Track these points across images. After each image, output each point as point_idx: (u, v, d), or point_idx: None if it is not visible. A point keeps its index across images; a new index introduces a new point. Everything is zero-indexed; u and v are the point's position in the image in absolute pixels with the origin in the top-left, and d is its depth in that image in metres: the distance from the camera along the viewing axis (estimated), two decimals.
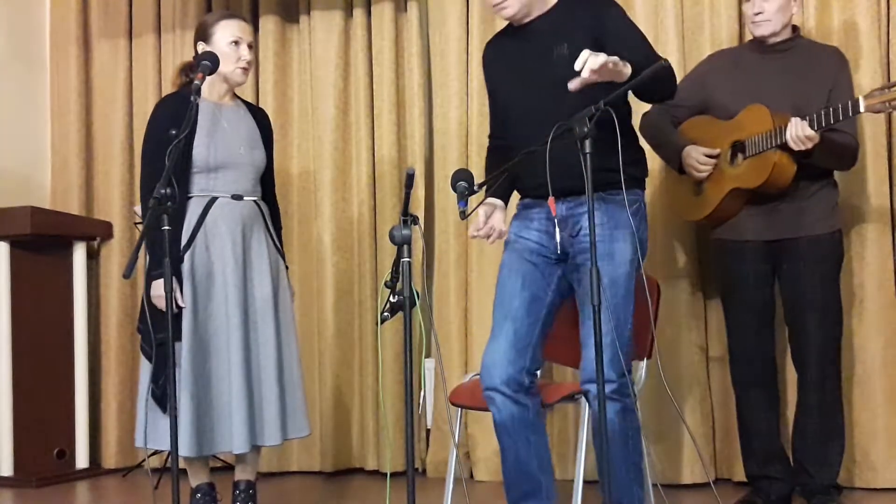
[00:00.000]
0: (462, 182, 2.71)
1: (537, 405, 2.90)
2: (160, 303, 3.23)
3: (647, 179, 2.95)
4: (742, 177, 3.36)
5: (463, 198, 2.70)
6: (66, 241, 4.76)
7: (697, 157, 3.45)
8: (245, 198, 3.43)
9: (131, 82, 4.99)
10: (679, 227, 3.98)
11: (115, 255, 4.92)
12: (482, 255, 4.34)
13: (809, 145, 3.15)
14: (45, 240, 4.64)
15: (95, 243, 4.98)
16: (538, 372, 2.95)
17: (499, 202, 2.97)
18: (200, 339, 3.31)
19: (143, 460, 4.65)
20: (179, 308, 3.28)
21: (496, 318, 2.91)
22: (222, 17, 3.48)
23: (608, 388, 2.67)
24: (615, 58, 2.44)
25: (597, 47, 2.54)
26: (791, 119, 3.17)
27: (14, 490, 4.43)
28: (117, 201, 4.93)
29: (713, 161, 3.43)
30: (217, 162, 3.36)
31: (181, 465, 3.41)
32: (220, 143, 3.38)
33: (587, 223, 2.62)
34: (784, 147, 3.22)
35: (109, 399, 4.87)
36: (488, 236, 2.91)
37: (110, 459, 4.86)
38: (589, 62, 2.40)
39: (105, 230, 4.91)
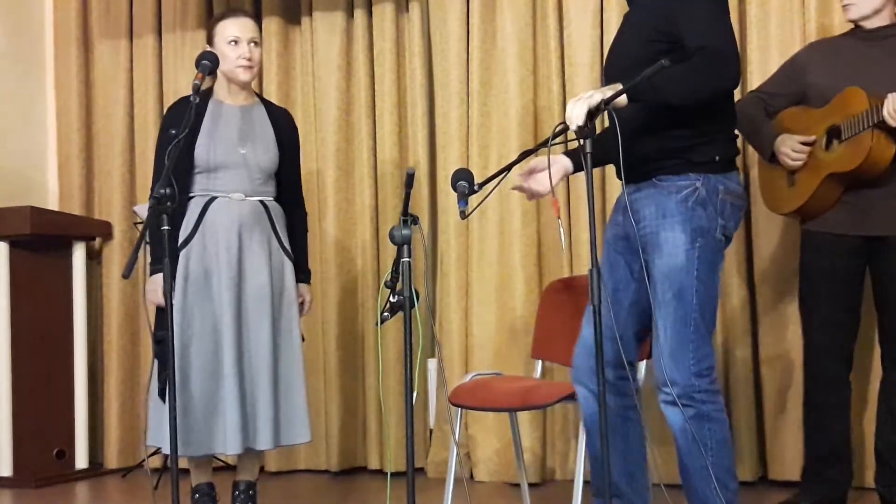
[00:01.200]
0: (462, 182, 2.69)
1: (622, 404, 2.74)
2: (153, 297, 3.31)
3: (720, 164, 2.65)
4: (838, 161, 3.24)
5: (463, 197, 2.67)
6: (66, 241, 4.76)
7: (792, 146, 3.32)
8: (247, 198, 3.41)
9: (132, 83, 4.99)
10: None
11: (115, 255, 4.92)
12: (483, 255, 4.34)
13: None
14: (45, 240, 4.63)
15: (96, 243, 4.98)
16: (631, 368, 2.76)
17: (565, 160, 2.83)
18: (192, 338, 3.31)
19: (143, 460, 4.64)
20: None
21: (586, 311, 2.80)
22: (222, 17, 3.48)
23: (674, 391, 2.54)
24: (597, 98, 2.37)
25: (664, 27, 2.52)
26: (888, 95, 3.07)
27: (14, 490, 4.42)
28: (118, 201, 4.93)
29: (807, 149, 3.30)
30: (216, 162, 3.36)
31: (184, 464, 3.42)
32: (220, 142, 3.38)
33: (645, 210, 2.60)
34: (881, 126, 3.11)
35: (110, 399, 4.87)
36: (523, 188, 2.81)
37: (111, 459, 4.85)
38: (574, 118, 2.36)
39: (105, 230, 4.91)
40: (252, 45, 3.42)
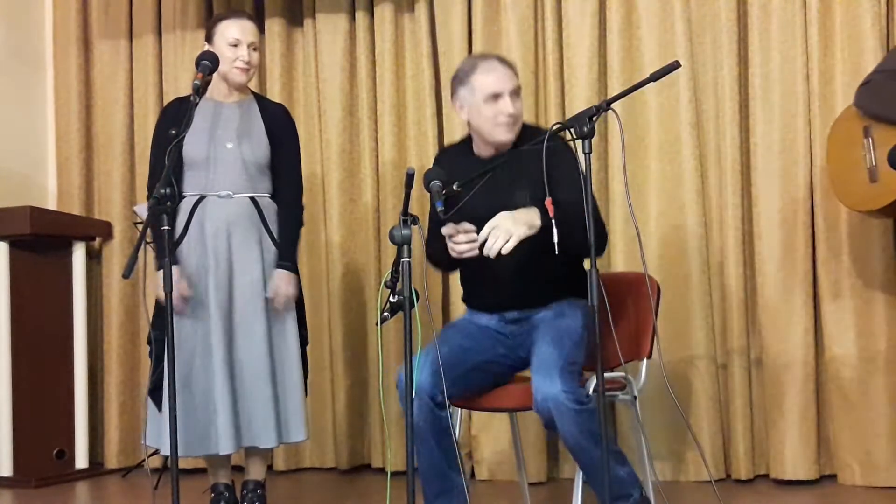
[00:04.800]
0: (435, 182, 2.64)
1: (442, 417, 2.94)
2: (159, 292, 3.26)
3: None
4: None
5: (439, 197, 2.61)
6: (65, 241, 4.75)
7: None
8: (236, 195, 3.40)
9: (132, 83, 4.98)
10: (684, 226, 3.98)
11: (115, 255, 4.91)
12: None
13: None
14: (45, 240, 4.63)
15: (96, 243, 4.98)
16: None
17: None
18: (184, 338, 3.30)
19: (143, 460, 4.64)
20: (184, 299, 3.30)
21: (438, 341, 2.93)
22: (223, 17, 3.49)
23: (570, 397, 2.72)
24: (520, 231, 2.65)
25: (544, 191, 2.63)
26: None
27: (14, 490, 4.42)
28: (118, 201, 4.92)
29: None
30: (203, 158, 3.36)
31: (202, 464, 3.43)
32: (209, 139, 3.38)
33: (533, 338, 2.89)
34: None
35: (110, 399, 4.87)
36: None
37: (111, 459, 4.85)
38: (499, 247, 2.63)
39: (105, 230, 4.91)
40: (252, 49, 3.42)
